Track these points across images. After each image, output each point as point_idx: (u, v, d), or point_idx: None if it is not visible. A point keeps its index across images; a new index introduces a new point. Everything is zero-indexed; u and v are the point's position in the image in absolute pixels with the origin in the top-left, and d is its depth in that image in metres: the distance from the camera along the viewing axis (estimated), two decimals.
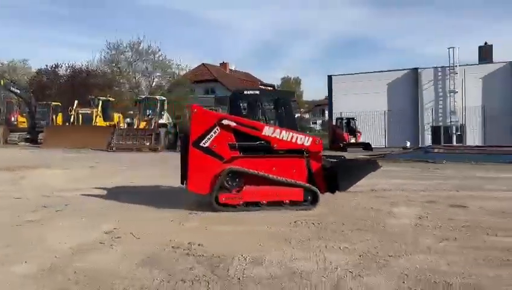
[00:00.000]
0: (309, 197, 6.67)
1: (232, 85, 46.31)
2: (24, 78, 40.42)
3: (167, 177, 10.49)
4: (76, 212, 6.49)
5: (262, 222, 5.87)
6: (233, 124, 6.61)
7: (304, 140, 6.69)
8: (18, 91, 27.79)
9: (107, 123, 27.25)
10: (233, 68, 53.29)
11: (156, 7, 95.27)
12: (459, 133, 26.89)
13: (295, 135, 6.71)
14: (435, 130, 27.75)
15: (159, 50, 37.41)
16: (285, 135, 6.65)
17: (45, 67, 38.06)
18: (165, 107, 27.44)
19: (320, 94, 79.17)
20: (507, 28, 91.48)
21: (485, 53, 29.41)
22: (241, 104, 7.22)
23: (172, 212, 6.54)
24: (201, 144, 6.50)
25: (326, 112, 65.25)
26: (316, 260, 4.25)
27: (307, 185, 6.65)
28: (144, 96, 29.45)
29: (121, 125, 27.67)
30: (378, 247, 4.66)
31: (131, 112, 30.91)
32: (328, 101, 32.04)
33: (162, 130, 24.22)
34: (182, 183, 7.01)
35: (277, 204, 6.61)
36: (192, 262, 4.18)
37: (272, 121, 7.46)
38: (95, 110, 27.08)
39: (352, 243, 4.80)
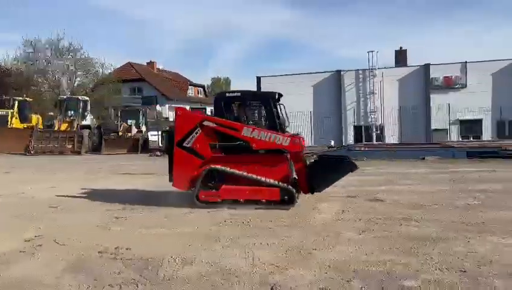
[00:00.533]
0: (285, 197, 6.77)
1: (160, 85, 45.37)
2: None
3: (92, 181, 10.16)
4: None
5: (191, 223, 5.91)
6: (213, 125, 6.93)
7: (282, 140, 6.83)
8: None
9: (25, 125, 25.40)
10: (161, 67, 52.10)
11: (79, 4, 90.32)
12: (378, 132, 28.69)
13: (273, 135, 6.84)
14: (357, 130, 29.36)
15: (81, 48, 35.72)
16: (263, 135, 6.81)
17: None
18: (88, 107, 26.23)
19: None
20: (420, 34, 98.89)
21: (401, 57, 31.69)
22: (223, 106, 7.35)
23: (98, 217, 6.36)
24: (184, 144, 6.86)
25: None
26: (244, 257, 4.38)
27: (283, 185, 6.76)
28: (65, 97, 27.91)
29: (40, 127, 25.96)
30: (303, 241, 4.90)
31: (52, 113, 29.12)
32: None
33: (85, 132, 23.16)
34: (170, 181, 7.18)
35: (254, 203, 6.74)
36: (120, 266, 4.12)
37: (251, 122, 7.62)
38: (10, 111, 25.15)
39: (279, 239, 5.00)
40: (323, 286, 3.56)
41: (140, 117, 26.38)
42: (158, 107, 40.96)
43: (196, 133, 6.85)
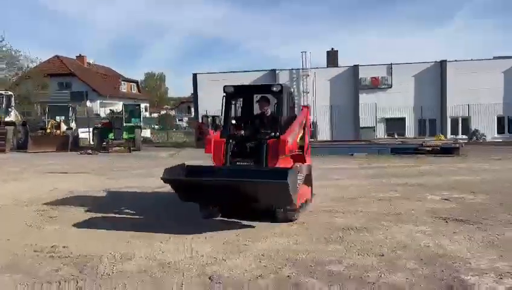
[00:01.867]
0: None
1: (91, 80, 43.59)
2: None
3: (19, 181, 9.76)
4: None
5: (128, 220, 5.97)
6: None
7: None
8: None
9: None
10: (91, 62, 49.97)
11: None
12: (312, 129, 29.86)
13: None
14: None
15: (3, 39, 33.38)
16: None
17: None
18: (12, 103, 24.64)
19: (187, 92, 79.26)
20: (349, 36, 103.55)
21: (332, 57, 33.14)
22: None
23: (29, 217, 6.19)
24: None
25: (192, 109, 65.74)
26: (183, 250, 4.56)
27: None
28: None
29: None
30: (239, 234, 5.17)
31: None
32: (194, 99, 32.41)
33: (10, 129, 21.75)
34: None
35: None
36: (58, 264, 4.14)
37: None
38: None
39: (216, 233, 5.22)
40: (258, 274, 3.85)
41: (70, 113, 25.25)
42: (88, 103, 39.34)
43: None
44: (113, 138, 21.49)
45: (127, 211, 6.61)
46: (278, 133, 5.92)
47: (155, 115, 61.10)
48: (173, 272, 3.92)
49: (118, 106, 32.22)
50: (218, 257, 4.33)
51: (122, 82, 50.69)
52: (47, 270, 3.96)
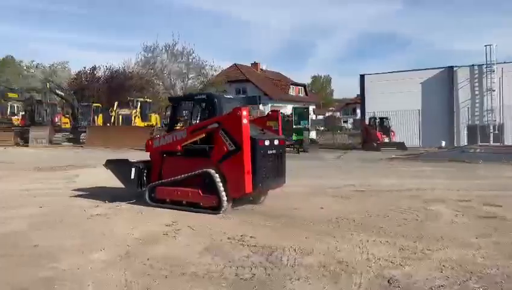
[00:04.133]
0: None
1: (263, 85, 46.88)
2: (64, 81, 42.28)
3: None
4: (133, 208, 7.12)
5: (325, 217, 6.33)
6: None
7: None
8: (62, 93, 29.23)
9: (145, 123, 28.28)
10: (264, 68, 53.82)
11: (187, 9, 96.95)
12: (496, 132, 26.44)
13: None
14: (471, 130, 27.34)
15: (193, 52, 38.46)
16: None
17: (83, 69, 39.89)
18: None
19: (352, 93, 78.63)
20: None
21: None
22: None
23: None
24: None
25: (358, 111, 64.67)
26: (359, 251, 4.68)
27: None
28: None
29: (158, 125, 28.61)
30: (417, 241, 5.03)
31: (168, 113, 31.86)
32: (361, 100, 31.99)
33: None
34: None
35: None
36: (247, 251, 4.69)
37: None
38: (133, 111, 28.16)
39: (391, 238, 5.18)
40: (440, 284, 3.73)
41: None
42: (261, 107, 42.43)
43: None
44: None
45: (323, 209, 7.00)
46: None
47: (320, 117, 62.38)
48: (351, 271, 4.08)
49: (287, 109, 33.91)
50: (395, 261, 4.33)
51: (291, 86, 53.08)
52: (239, 256, 4.54)
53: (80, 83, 38.53)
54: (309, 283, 3.82)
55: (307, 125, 23.50)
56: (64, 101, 30.71)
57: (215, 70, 40.63)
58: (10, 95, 27.37)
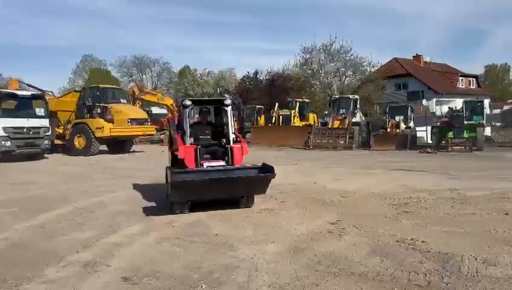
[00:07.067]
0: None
1: (427, 79, 43.54)
2: (231, 85, 46.19)
3: (368, 175, 10.71)
4: (298, 205, 7.36)
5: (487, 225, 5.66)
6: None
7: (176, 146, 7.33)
8: (229, 96, 32.09)
9: (303, 123, 29.00)
10: (428, 60, 49.90)
11: (340, 6, 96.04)
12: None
13: (176, 142, 7.45)
14: None
15: (351, 49, 37.90)
16: (175, 141, 7.63)
17: (247, 73, 42.92)
18: (358, 105, 27.71)
19: None
20: None
21: None
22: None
23: (385, 209, 6.84)
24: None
25: None
26: None
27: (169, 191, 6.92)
28: (337, 96, 30.28)
29: (316, 124, 29.07)
30: None
31: (326, 112, 32.14)
32: None
33: (356, 129, 24.54)
34: None
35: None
36: (420, 257, 4.42)
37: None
38: (292, 111, 29.14)
39: None
40: None
41: (409, 113, 26.13)
42: (424, 102, 39.52)
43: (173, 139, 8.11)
44: (452, 136, 20.79)
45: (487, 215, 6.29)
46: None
47: (496, 111, 54.91)
48: None
49: (456, 103, 30.90)
50: None
51: (460, 78, 48.17)
52: (411, 261, 4.30)
53: (244, 86, 41.58)
54: None
55: (481, 121, 21.03)
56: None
57: (373, 67, 39.34)
58: None
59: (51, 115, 18.45)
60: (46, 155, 17.91)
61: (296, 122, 29.08)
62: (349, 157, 17.72)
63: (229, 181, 6.71)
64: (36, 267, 4.39)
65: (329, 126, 26.12)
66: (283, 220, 6.20)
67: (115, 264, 4.46)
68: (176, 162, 7.41)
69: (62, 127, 20.71)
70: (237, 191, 6.87)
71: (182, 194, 6.49)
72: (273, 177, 6.61)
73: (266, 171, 6.73)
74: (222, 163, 7.27)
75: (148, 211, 6.92)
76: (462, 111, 21.39)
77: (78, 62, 61.99)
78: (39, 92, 19.87)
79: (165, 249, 4.98)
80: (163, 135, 25.92)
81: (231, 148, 7.33)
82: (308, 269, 4.18)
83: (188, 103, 7.57)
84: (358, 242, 5.00)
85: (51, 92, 23.89)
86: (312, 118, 30.84)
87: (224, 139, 7.61)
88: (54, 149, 18.85)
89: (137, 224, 6.15)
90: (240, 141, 7.52)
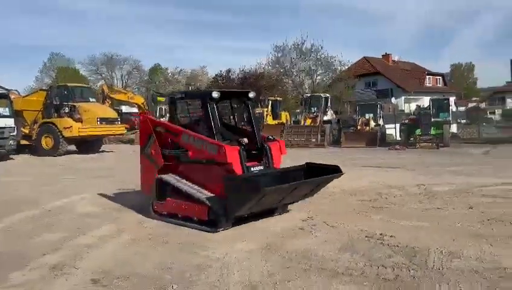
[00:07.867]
0: (212, 217, 5.59)
1: (396, 77, 44.50)
2: (203, 84, 45.94)
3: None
4: None
5: (449, 219, 5.85)
6: (162, 130, 6.54)
7: (211, 148, 5.75)
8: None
9: (276, 121, 29.13)
10: (396, 59, 51.00)
11: (314, 5, 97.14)
12: None
13: (205, 142, 5.85)
14: None
15: (322, 48, 38.32)
16: (198, 142, 5.94)
17: (220, 72, 42.82)
18: (329, 103, 28.05)
19: (499, 81, 69.83)
20: None
21: None
22: (173, 108, 6.78)
23: (355, 205, 6.97)
24: (145, 151, 6.72)
25: (508, 100, 57.37)
26: None
27: (211, 203, 5.56)
28: (309, 95, 30.56)
29: (288, 123, 29.25)
30: None
31: (298, 110, 32.40)
32: None
33: (327, 127, 24.86)
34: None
35: (189, 220, 5.83)
36: (389, 251, 4.53)
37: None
38: (265, 109, 29.21)
39: None
40: None
41: (378, 111, 26.66)
42: (393, 100, 40.39)
43: (152, 140, 6.52)
44: (420, 133, 21.35)
45: (447, 210, 6.49)
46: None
47: (461, 108, 56.68)
48: (509, 277, 3.65)
49: (423, 101, 31.74)
50: None
51: (427, 76, 49.48)
52: (380, 255, 4.40)
53: (217, 85, 41.40)
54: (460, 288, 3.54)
55: (447, 118, 21.68)
56: None
57: (343, 66, 39.91)
58: (159, 99, 30.67)
59: (17, 114, 17.85)
60: (11, 156, 17.32)
61: (269, 120, 29.16)
62: (321, 155, 17.91)
63: (309, 186, 5.98)
64: (0, 271, 4.25)
65: (302, 124, 26.35)
66: (253, 218, 6.21)
67: (84, 266, 4.37)
68: (165, 172, 6.32)
69: (28, 127, 20.06)
70: (298, 197, 6.14)
71: (254, 205, 5.43)
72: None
73: (332, 171, 6.07)
74: (260, 166, 6.03)
75: (118, 212, 6.82)
76: (430, 109, 21.99)
77: (46, 60, 60.26)
78: (3, 91, 19.20)
79: (136, 249, 4.92)
80: (133, 135, 25.51)
81: (269, 147, 6.14)
82: (279, 266, 4.22)
83: (216, 95, 6.04)
84: (329, 238, 5.08)
85: (16, 90, 23.13)
86: (284, 116, 30.99)
87: (243, 138, 6.16)
88: (20, 150, 18.25)
89: (107, 225, 6.05)
90: (275, 139, 6.46)
